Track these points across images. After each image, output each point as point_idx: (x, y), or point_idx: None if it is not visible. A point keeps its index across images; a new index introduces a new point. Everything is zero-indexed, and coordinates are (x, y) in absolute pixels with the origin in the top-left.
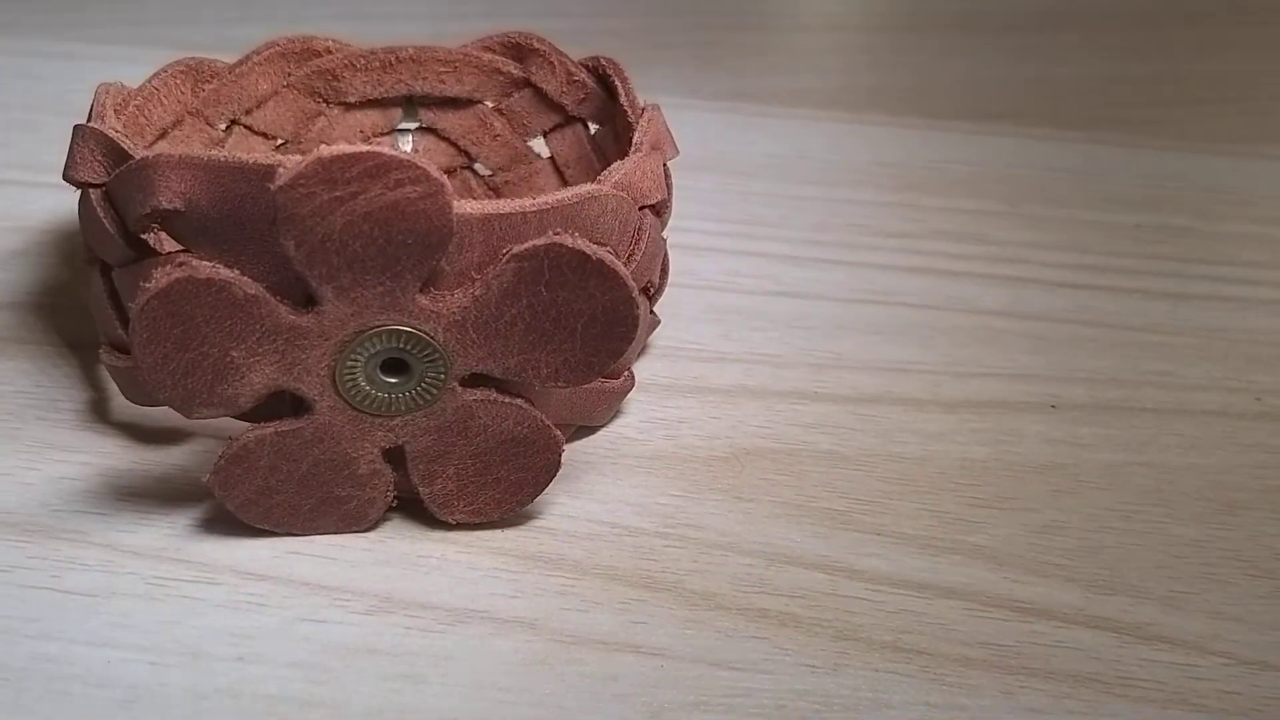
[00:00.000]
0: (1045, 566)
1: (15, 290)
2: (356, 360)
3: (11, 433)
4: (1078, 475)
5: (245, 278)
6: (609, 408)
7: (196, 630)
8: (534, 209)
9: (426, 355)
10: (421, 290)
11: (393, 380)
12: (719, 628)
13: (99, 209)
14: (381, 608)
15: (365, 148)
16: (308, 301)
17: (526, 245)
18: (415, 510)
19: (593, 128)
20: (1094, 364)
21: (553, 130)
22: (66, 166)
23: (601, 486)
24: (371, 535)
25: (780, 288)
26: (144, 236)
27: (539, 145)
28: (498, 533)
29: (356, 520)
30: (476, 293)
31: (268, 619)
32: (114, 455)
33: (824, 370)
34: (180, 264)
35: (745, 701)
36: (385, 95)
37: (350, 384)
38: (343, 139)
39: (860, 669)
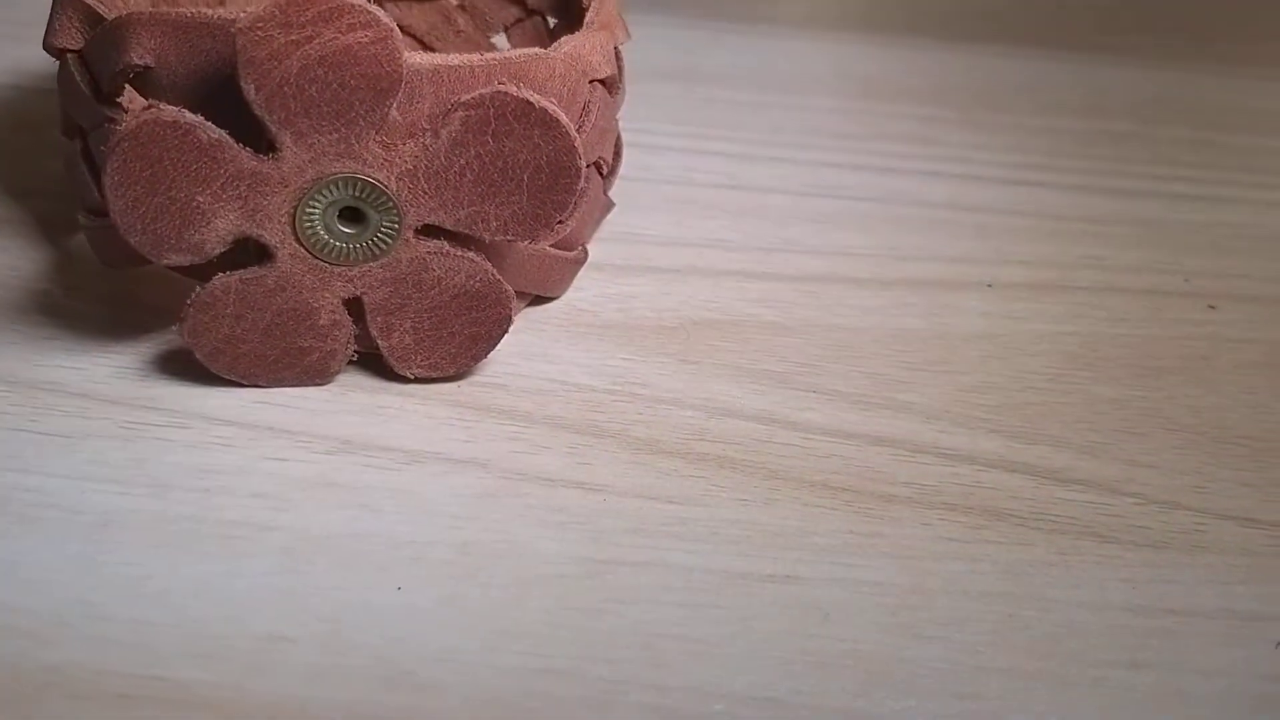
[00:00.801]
0: (971, 420)
1: (19, 180)
2: (315, 207)
3: (6, 300)
4: (1008, 343)
5: (209, 123)
6: (564, 279)
7: (166, 466)
8: (482, 64)
9: (381, 204)
10: (375, 138)
11: (350, 230)
12: (659, 469)
13: (75, 73)
14: (342, 449)
15: None
16: (269, 149)
17: (474, 94)
18: (375, 365)
19: (551, 21)
20: (1031, 249)
21: (514, 25)
22: (46, 34)
23: (554, 349)
24: (332, 387)
25: (734, 183)
26: (118, 100)
27: (500, 41)
28: (453, 386)
29: (319, 373)
30: (426, 142)
31: (232, 457)
32: (97, 318)
33: (772, 254)
34: (148, 107)
35: (681, 529)
36: None
37: (310, 232)
38: None
39: (789, 503)
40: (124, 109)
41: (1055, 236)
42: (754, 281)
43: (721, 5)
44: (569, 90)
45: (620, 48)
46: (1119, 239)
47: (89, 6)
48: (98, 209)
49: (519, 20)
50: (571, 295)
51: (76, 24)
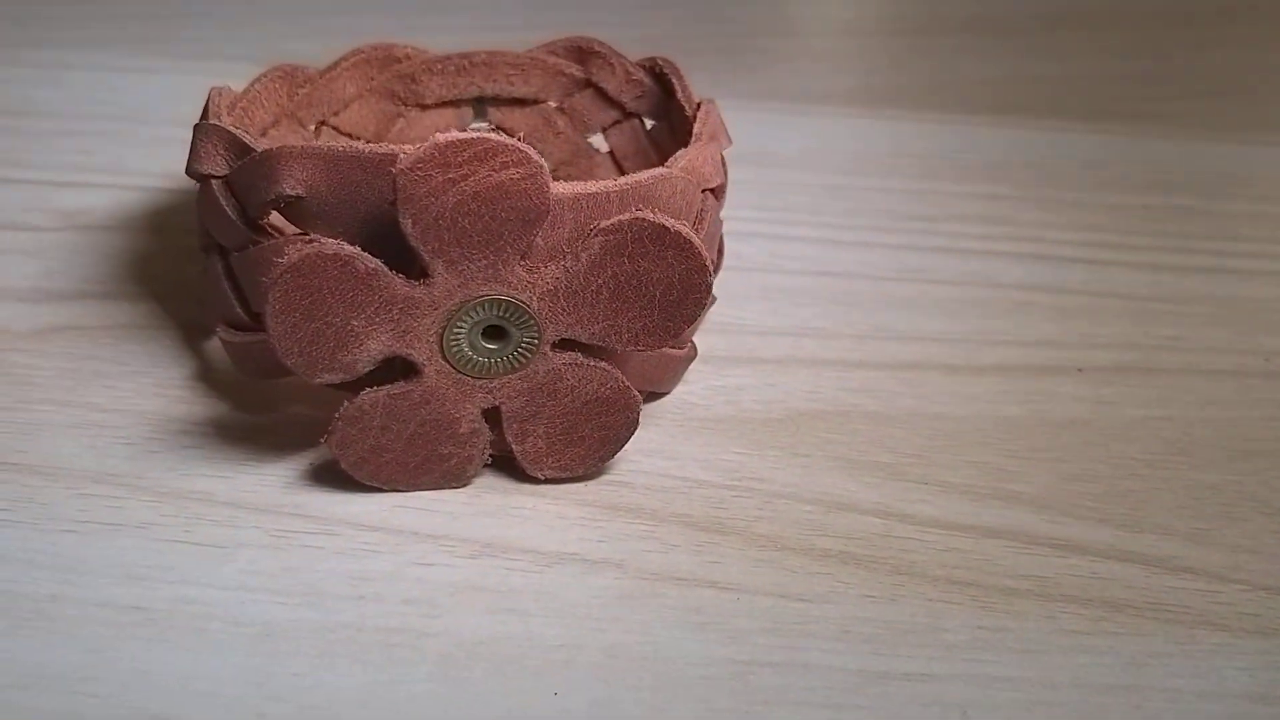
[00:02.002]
0: (1079, 510)
1: (119, 280)
2: (462, 327)
3: (134, 408)
4: (1104, 429)
5: (365, 253)
6: (676, 376)
7: (318, 574)
8: (617, 189)
9: (522, 322)
10: (520, 263)
11: (492, 346)
12: (786, 566)
13: (221, 198)
14: (483, 552)
15: (475, 134)
16: (419, 274)
17: (613, 220)
18: (506, 467)
19: (648, 123)
20: (1112, 331)
21: (611, 126)
22: (191, 160)
23: (671, 445)
24: (468, 490)
25: (820, 269)
26: (261, 222)
27: (598, 141)
28: (581, 486)
29: (456, 477)
30: (568, 264)
31: (381, 564)
32: (231, 425)
33: (866, 341)
34: (310, 241)
35: (814, 628)
36: (458, 97)
37: (455, 349)
38: (420, 137)
39: (916, 599)
40: (269, 233)
41: (1133, 317)
42: (853, 371)
43: (775, 85)
44: (687, 203)
45: (724, 152)
46: (1195, 318)
47: (234, 136)
48: (238, 323)
49: (617, 122)
50: (681, 389)
51: (221, 152)
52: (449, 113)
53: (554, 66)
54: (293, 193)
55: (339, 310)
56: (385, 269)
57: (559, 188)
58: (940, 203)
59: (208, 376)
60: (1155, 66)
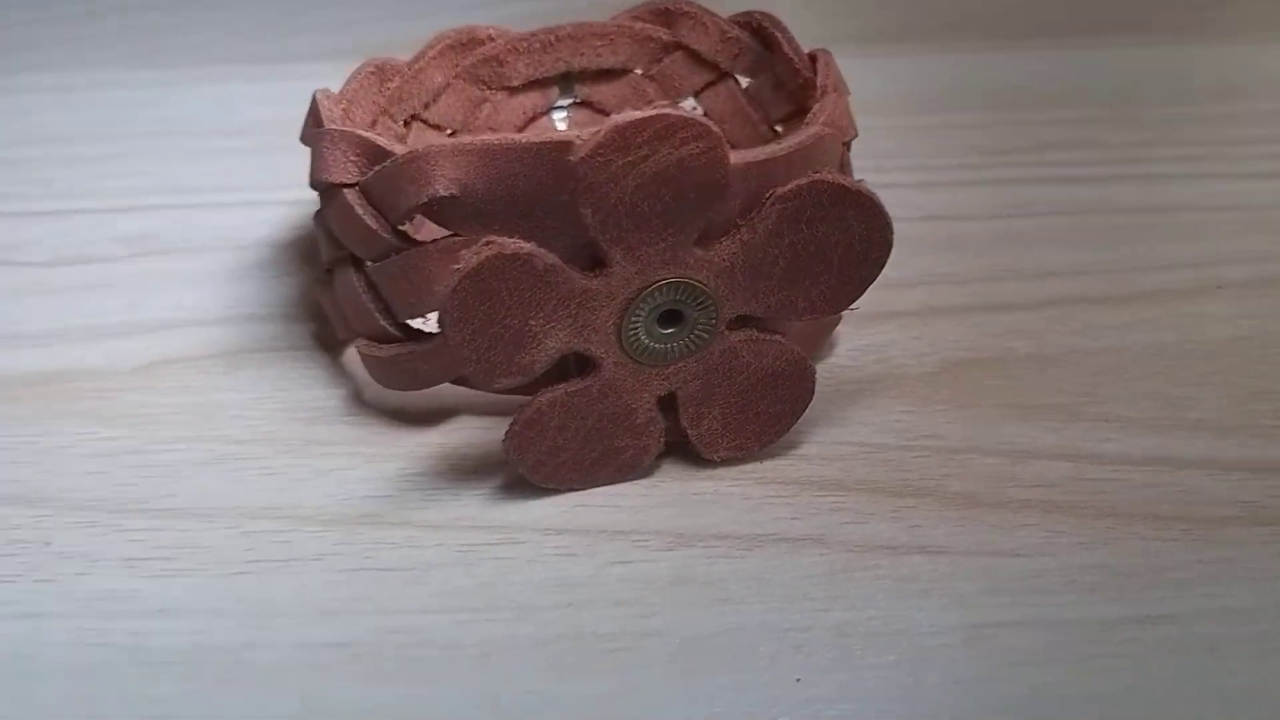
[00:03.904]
0: (1262, 428)
1: (207, 305)
2: (639, 316)
3: (271, 436)
4: (1262, 344)
5: (542, 249)
6: (826, 340)
7: (517, 586)
8: (783, 152)
9: (699, 303)
10: (696, 243)
11: (668, 331)
12: (989, 522)
13: (357, 207)
14: (679, 543)
15: (654, 111)
16: (594, 265)
17: (790, 186)
18: (677, 453)
19: (744, 81)
20: (1240, 244)
21: (705, 89)
22: (317, 170)
23: (834, 411)
24: (644, 481)
25: (925, 213)
26: (402, 230)
27: (688, 105)
28: (757, 464)
29: (631, 468)
30: (744, 237)
31: (579, 567)
32: (378, 443)
33: (997, 282)
34: (488, 242)
35: (1038, 582)
36: (545, 75)
37: (633, 338)
38: (508, 122)
39: (1130, 540)
40: (412, 238)
41: (1258, 227)
42: (995, 314)
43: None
44: (834, 158)
45: None
46: None
47: (367, 140)
48: (382, 336)
49: (710, 84)
50: (829, 353)
51: (352, 158)
52: (536, 94)
53: (641, 32)
54: (446, 193)
55: (517, 311)
56: (562, 264)
57: (730, 158)
58: (1025, 133)
59: (341, 395)
60: None
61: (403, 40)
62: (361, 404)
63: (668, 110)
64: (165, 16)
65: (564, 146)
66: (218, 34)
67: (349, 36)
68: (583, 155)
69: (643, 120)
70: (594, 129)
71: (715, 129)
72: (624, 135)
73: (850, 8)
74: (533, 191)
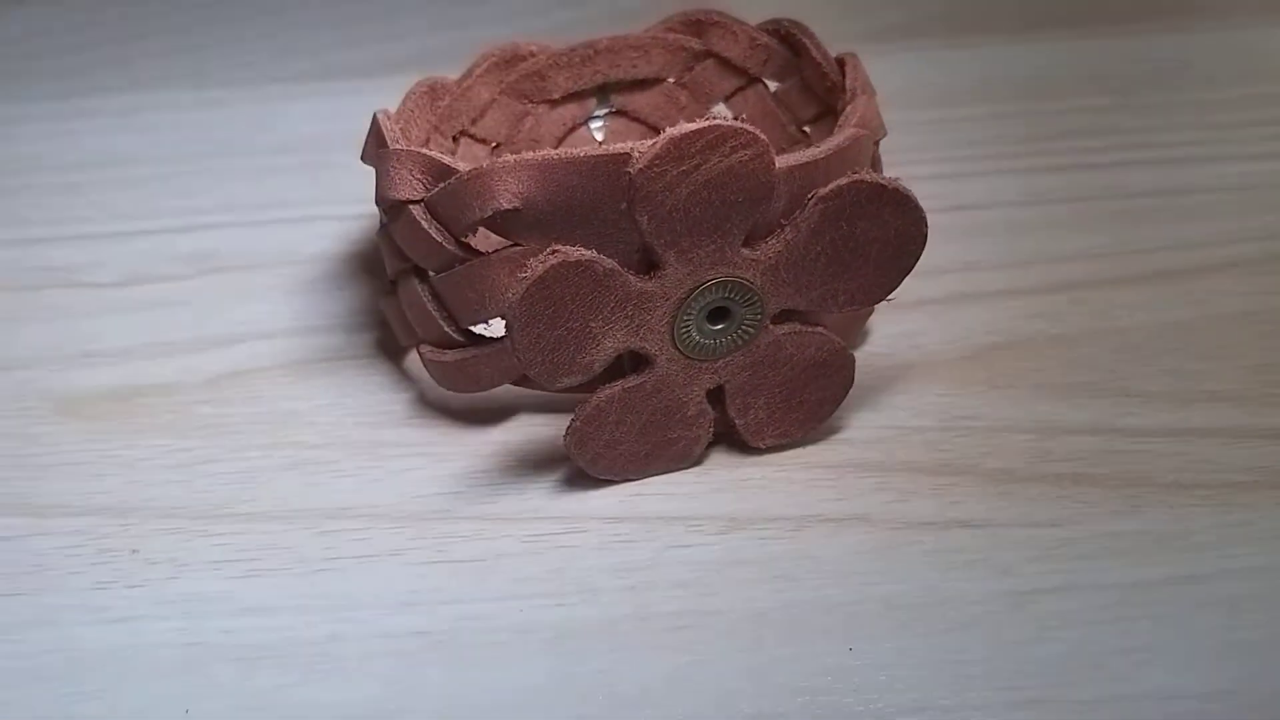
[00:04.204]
0: (1275, 398)
1: (272, 318)
2: (690, 314)
3: (342, 440)
4: (1274, 318)
5: (601, 255)
6: (861, 329)
7: (584, 571)
8: (823, 154)
9: (746, 300)
10: (743, 243)
11: (718, 327)
12: (1026, 495)
13: (423, 222)
14: (731, 527)
15: (706, 123)
16: (648, 267)
17: (831, 186)
18: (724, 441)
19: (772, 85)
20: (1249, 223)
21: (734, 94)
22: (384, 188)
23: (872, 397)
24: (694, 470)
25: (954, 203)
26: (465, 241)
27: (719, 111)
28: (801, 450)
29: (683, 458)
30: (788, 236)
31: (640, 553)
32: (443, 443)
33: (1024, 268)
34: (553, 251)
35: (1070, 550)
36: (583, 87)
37: (685, 335)
38: (549, 134)
39: (1156, 507)
40: (476, 250)
41: (1266, 208)
42: (1022, 298)
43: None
44: (870, 156)
45: None
46: None
47: (432, 159)
48: (447, 342)
49: (740, 89)
50: (863, 341)
51: (418, 176)
52: (574, 106)
53: (674, 43)
54: (510, 206)
55: (579, 314)
56: (620, 268)
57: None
58: (1049, 122)
59: (406, 399)
60: None
61: (441, 52)
62: (425, 407)
63: (719, 121)
64: (206, 37)
65: (621, 159)
66: (261, 54)
67: (388, 51)
68: (640, 167)
69: (696, 132)
70: (650, 141)
71: (762, 136)
72: (679, 146)
73: (866, 5)
74: (590, 201)
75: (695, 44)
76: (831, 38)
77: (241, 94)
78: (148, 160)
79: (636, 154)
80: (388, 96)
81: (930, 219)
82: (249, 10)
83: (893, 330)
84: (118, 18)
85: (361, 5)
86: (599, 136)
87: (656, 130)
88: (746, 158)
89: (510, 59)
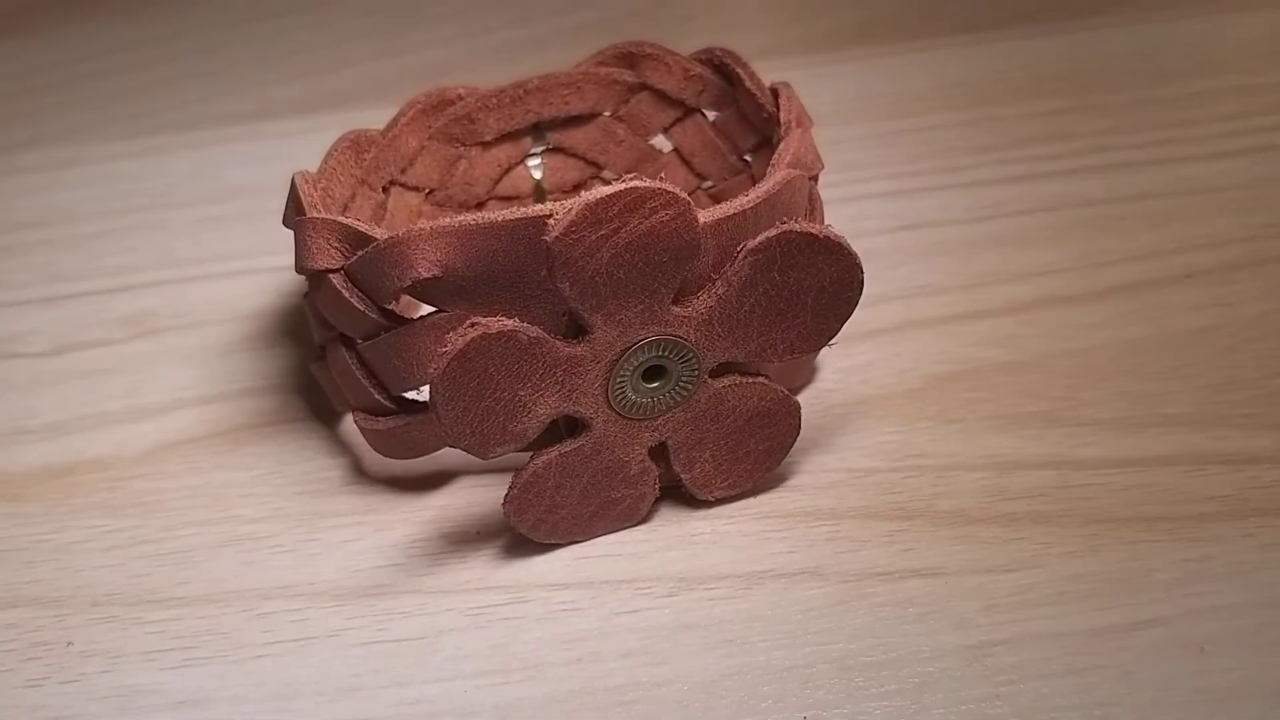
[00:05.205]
0: (1236, 419)
1: (210, 382)
2: (624, 374)
3: (279, 512)
4: (1232, 332)
5: (524, 324)
6: (810, 368)
7: (528, 646)
8: (751, 204)
9: (681, 356)
10: (673, 300)
11: (654, 385)
12: (980, 539)
13: (343, 291)
14: (680, 588)
15: (623, 186)
16: (576, 332)
17: (760, 239)
18: (674, 495)
19: (710, 115)
20: (1206, 228)
21: (673, 125)
22: (302, 258)
23: (823, 438)
24: (644, 528)
25: (903, 223)
26: (389, 309)
27: (659, 142)
28: (752, 500)
29: (630, 516)
30: (719, 291)
31: (586, 621)
32: (383, 510)
33: (974, 290)
34: (472, 324)
35: (1030, 596)
36: (517, 127)
37: (620, 396)
38: (484, 175)
39: (1115, 545)
40: (400, 316)
41: (1222, 211)
42: (972, 323)
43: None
44: (801, 198)
45: None
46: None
47: (347, 227)
48: (377, 410)
49: (678, 120)
50: (813, 378)
51: (335, 244)
52: (509, 146)
53: (606, 77)
54: (429, 274)
55: (506, 384)
56: (545, 335)
57: (700, 216)
58: (1000, 130)
59: (343, 465)
60: None
61: (374, 85)
62: (364, 473)
63: (636, 183)
64: (131, 83)
65: (538, 223)
66: (190, 95)
67: (320, 87)
68: (557, 234)
69: (613, 195)
70: (566, 206)
71: (683, 195)
72: (595, 211)
73: (810, 9)
74: (512, 266)
75: (629, 77)
76: (775, 47)
77: (176, 140)
78: (81, 218)
79: (553, 220)
80: (327, 135)
81: (878, 240)
82: (181, 50)
83: (843, 364)
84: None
85: (301, 36)
86: (537, 175)
87: (597, 166)
88: (668, 218)
89: (437, 104)
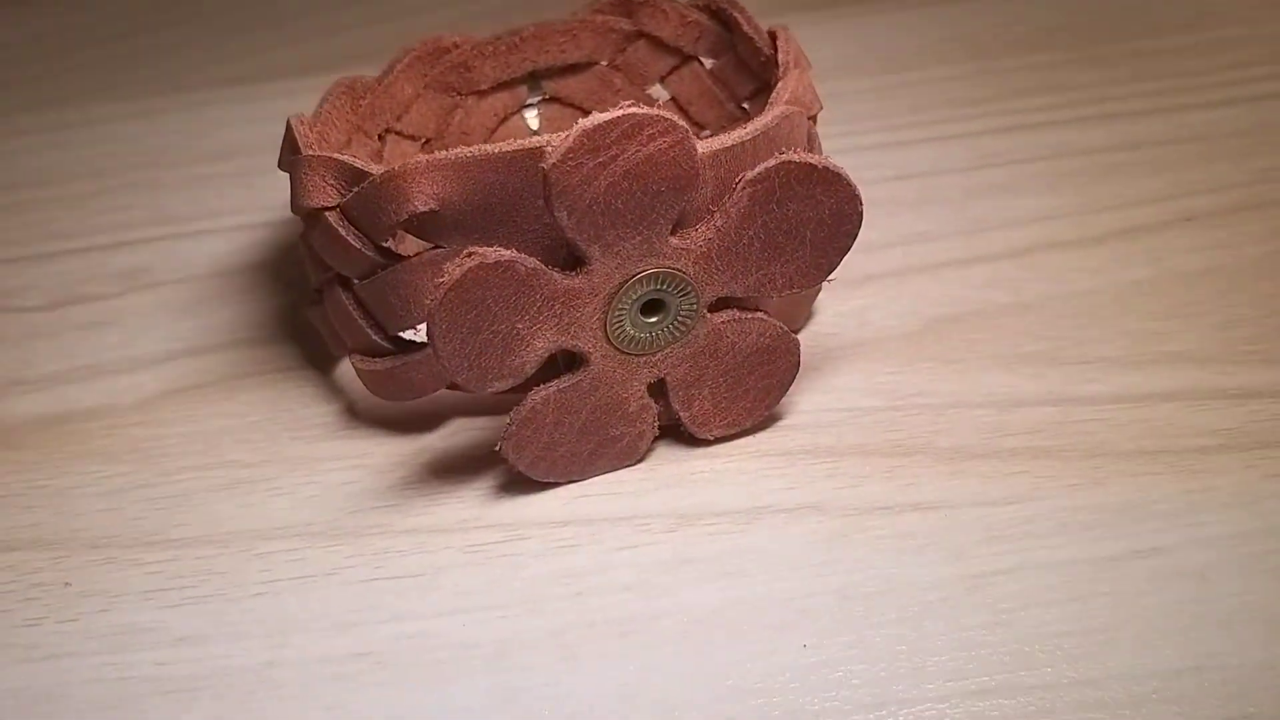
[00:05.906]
0: (1238, 355)
1: (204, 333)
2: (623, 308)
3: (276, 456)
4: (1233, 272)
5: (522, 254)
6: (808, 309)
7: (527, 581)
8: (750, 136)
9: (680, 290)
10: (672, 232)
11: (652, 319)
12: (980, 473)
13: (339, 229)
14: (680, 524)
15: (619, 112)
16: (574, 264)
17: (759, 169)
18: (673, 435)
19: (707, 62)
20: (1206, 174)
21: (670, 74)
22: (298, 196)
23: (823, 379)
24: (641, 466)
25: (901, 173)
26: (385, 246)
27: (657, 91)
28: (751, 439)
29: (629, 455)
30: (718, 223)
31: (585, 557)
32: (379, 453)
33: (973, 235)
34: (469, 253)
35: (1031, 528)
36: (512, 76)
37: (618, 330)
38: (481, 125)
39: (1118, 478)
40: (396, 255)
41: (1222, 157)
42: (971, 267)
43: None
44: (800, 135)
45: None
46: None
47: (344, 163)
48: (375, 350)
49: (675, 68)
50: (811, 321)
51: (331, 182)
52: (505, 95)
53: (602, 25)
54: (425, 208)
55: (504, 317)
56: (543, 266)
57: (698, 146)
58: (999, 82)
59: (338, 410)
60: None
61: (372, 48)
62: (360, 416)
63: (633, 109)
64: (132, 46)
65: (535, 153)
66: (187, 59)
67: (316, 50)
68: (554, 161)
69: (610, 122)
70: (563, 134)
71: (680, 123)
72: (592, 138)
73: None
74: (509, 199)
75: (625, 25)
76: (768, 7)
77: (172, 101)
78: (78, 176)
79: (550, 148)
80: (319, 96)
81: (879, 190)
82: (178, 15)
83: (841, 308)
84: (39, 33)
85: (292, 3)
86: (534, 125)
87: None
88: (665, 145)
89: (432, 52)
